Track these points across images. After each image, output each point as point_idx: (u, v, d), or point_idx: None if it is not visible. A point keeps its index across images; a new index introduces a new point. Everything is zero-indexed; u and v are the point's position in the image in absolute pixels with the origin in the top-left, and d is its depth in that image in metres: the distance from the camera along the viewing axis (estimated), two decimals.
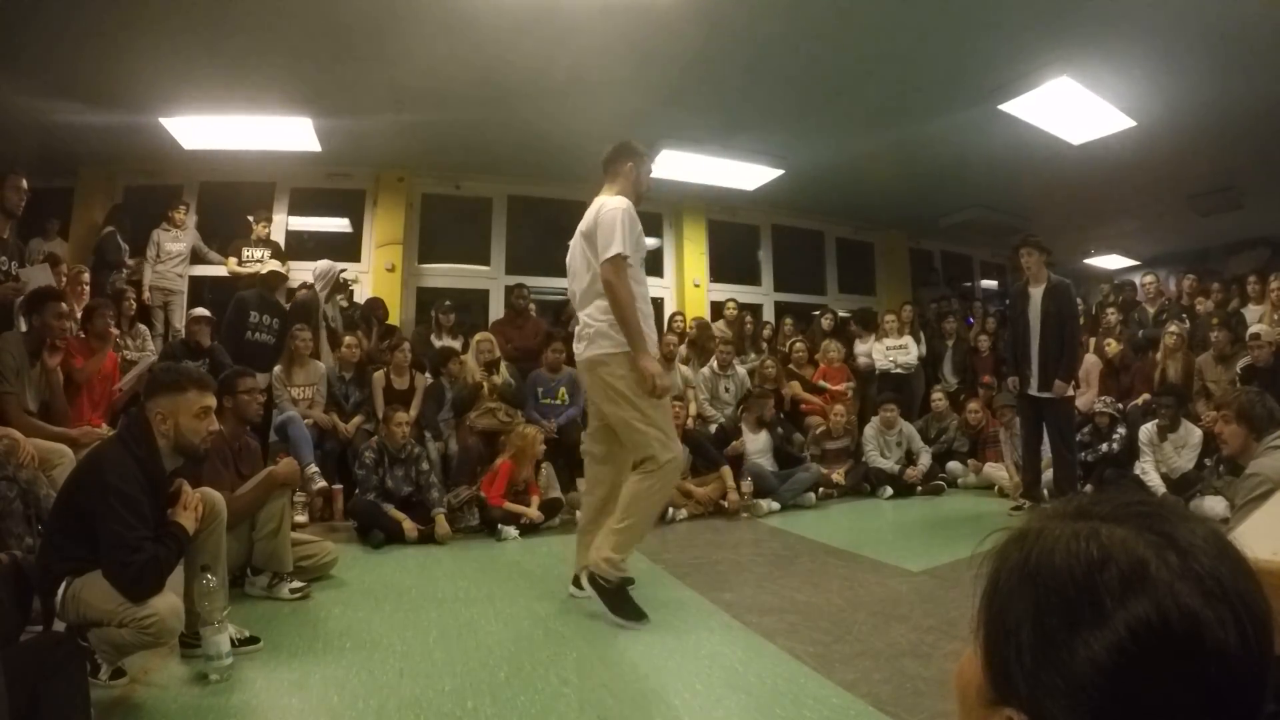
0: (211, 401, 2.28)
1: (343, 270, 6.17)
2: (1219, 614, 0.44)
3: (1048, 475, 5.04)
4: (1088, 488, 5.26)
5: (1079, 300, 7.22)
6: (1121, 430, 5.34)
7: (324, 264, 6.04)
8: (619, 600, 2.72)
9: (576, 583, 2.99)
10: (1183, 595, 0.44)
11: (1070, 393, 4.87)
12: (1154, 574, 0.45)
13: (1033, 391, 4.85)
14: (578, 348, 2.93)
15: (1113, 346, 6.12)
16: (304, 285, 6.04)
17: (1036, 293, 4.87)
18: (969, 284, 10.15)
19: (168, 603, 2.00)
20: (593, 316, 2.83)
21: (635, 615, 2.68)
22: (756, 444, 5.56)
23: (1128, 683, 0.44)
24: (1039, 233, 8.58)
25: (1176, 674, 0.43)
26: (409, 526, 4.03)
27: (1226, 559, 0.46)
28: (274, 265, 5.79)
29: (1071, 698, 0.45)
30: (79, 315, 4.34)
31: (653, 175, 3.12)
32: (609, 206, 2.82)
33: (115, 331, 4.44)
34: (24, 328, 3.67)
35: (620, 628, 2.64)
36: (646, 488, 2.75)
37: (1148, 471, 4.91)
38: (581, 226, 2.94)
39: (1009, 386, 5.13)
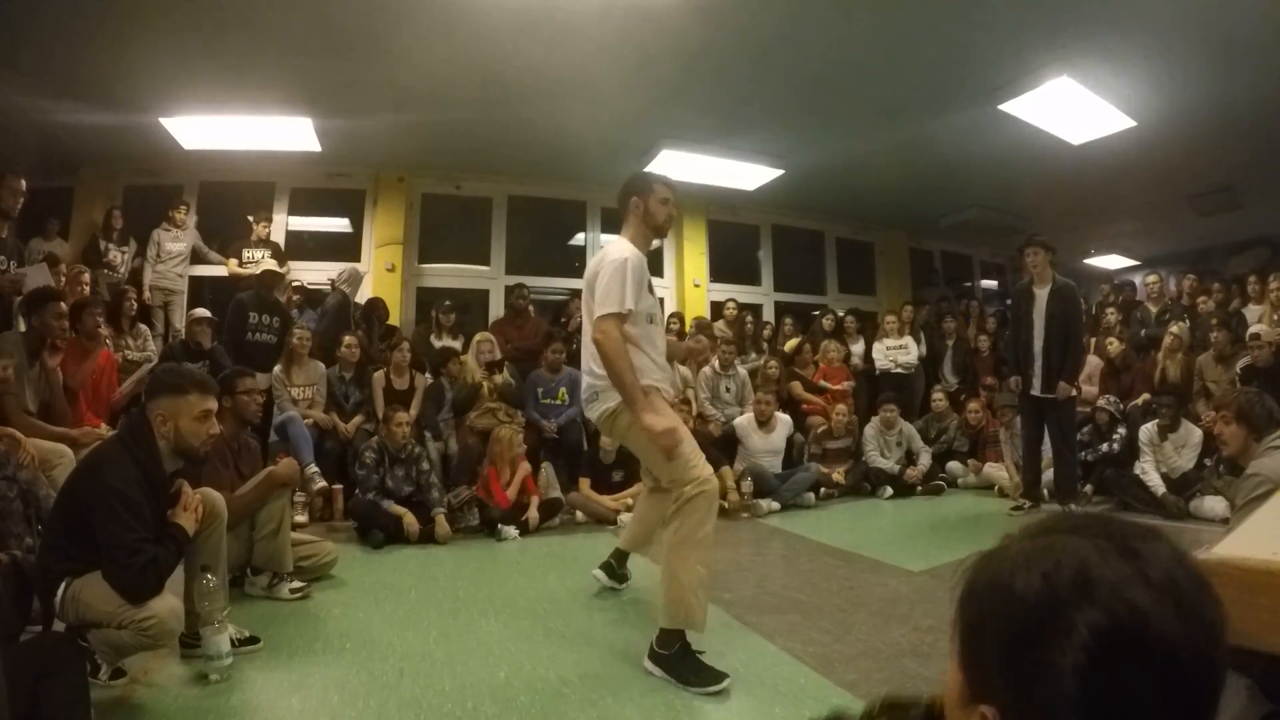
0: (213, 405, 2.27)
1: (359, 268, 6.22)
2: (1166, 611, 0.47)
3: (1048, 475, 5.04)
4: (1088, 488, 5.27)
5: (1082, 300, 7.26)
6: (1122, 430, 5.34)
7: (350, 268, 6.10)
8: (687, 664, 2.24)
9: (605, 568, 3.09)
10: (1129, 593, 0.48)
11: (1074, 394, 4.86)
12: (1099, 575, 0.49)
13: (1035, 391, 4.85)
14: (588, 410, 2.78)
15: (1115, 346, 6.12)
16: (332, 285, 6.08)
17: (1042, 293, 4.86)
18: (969, 284, 10.15)
19: (167, 605, 2.00)
20: (593, 374, 2.67)
21: (710, 680, 2.17)
22: (766, 444, 5.55)
23: (1087, 675, 0.47)
24: (1038, 233, 8.63)
25: (1129, 664, 0.47)
26: (409, 521, 4.03)
27: (1181, 567, 0.50)
28: (270, 264, 5.80)
29: (1036, 690, 0.49)
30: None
31: (672, 207, 2.79)
32: (609, 258, 2.60)
33: (105, 331, 4.41)
34: (23, 328, 3.67)
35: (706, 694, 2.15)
36: (687, 519, 2.37)
37: (1148, 471, 4.91)
38: (586, 275, 2.75)
39: (1011, 386, 5.13)
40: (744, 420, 5.66)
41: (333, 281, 6.14)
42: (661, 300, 7.83)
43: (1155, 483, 4.87)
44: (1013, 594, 0.51)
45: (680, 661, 2.22)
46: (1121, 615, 0.47)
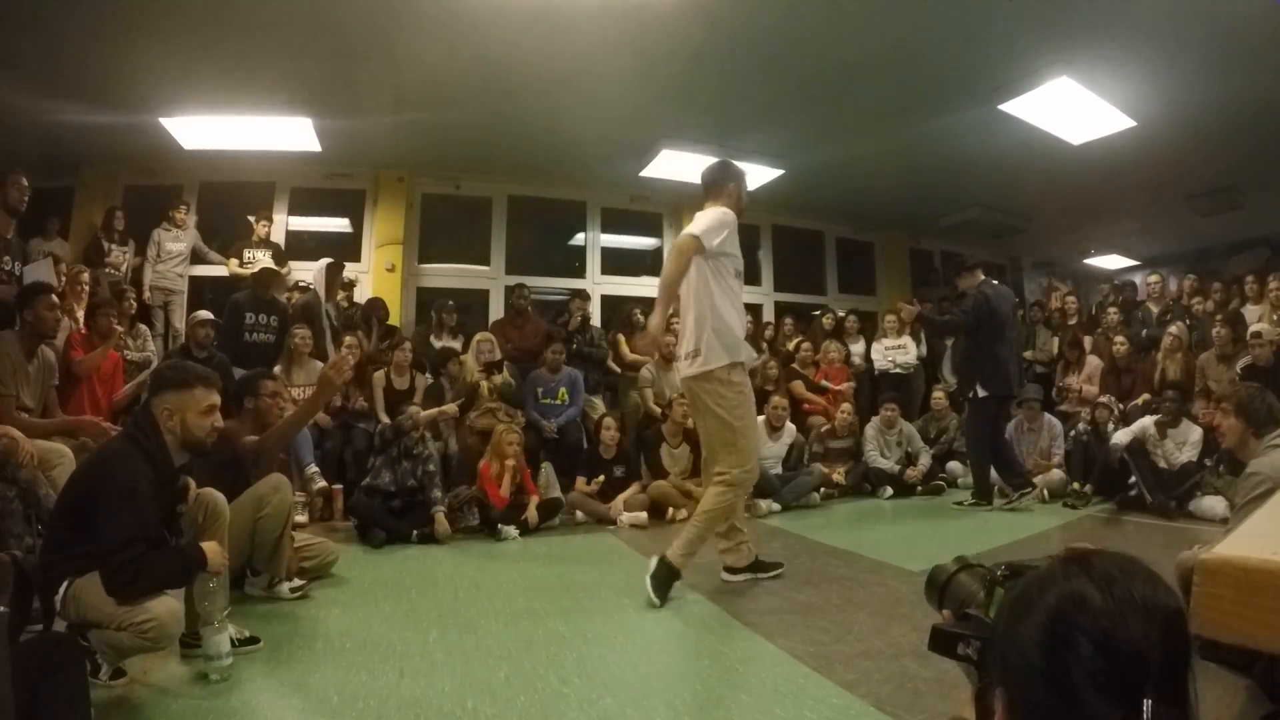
0: (217, 400, 2.28)
1: (329, 263, 5.99)
2: (1100, 594, 0.61)
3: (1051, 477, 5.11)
4: (1087, 488, 5.27)
5: (1073, 301, 7.37)
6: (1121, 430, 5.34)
7: (320, 264, 6.04)
8: (663, 580, 2.92)
9: (730, 570, 3.29)
10: (1073, 584, 0.63)
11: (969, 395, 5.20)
12: (1058, 577, 0.65)
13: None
14: (682, 366, 3.15)
15: (1122, 346, 6.12)
16: (298, 285, 6.04)
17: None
18: None
19: (167, 607, 1.99)
20: (704, 332, 3.01)
21: (661, 594, 2.88)
22: (770, 450, 5.54)
23: (1044, 643, 0.62)
24: (1039, 233, 8.65)
25: (1073, 632, 0.60)
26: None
27: (1124, 571, 0.63)
28: (266, 263, 5.79)
29: (1014, 660, 0.64)
30: (79, 315, 4.36)
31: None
32: (720, 212, 3.06)
33: (119, 329, 4.46)
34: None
35: (648, 600, 2.87)
36: (720, 500, 2.99)
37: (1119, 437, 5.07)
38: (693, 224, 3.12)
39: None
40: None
41: (308, 284, 6.07)
42: None
43: (1121, 442, 5.02)
44: (1018, 622, 0.66)
45: (664, 577, 2.91)
46: (1065, 596, 0.62)
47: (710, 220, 2.99)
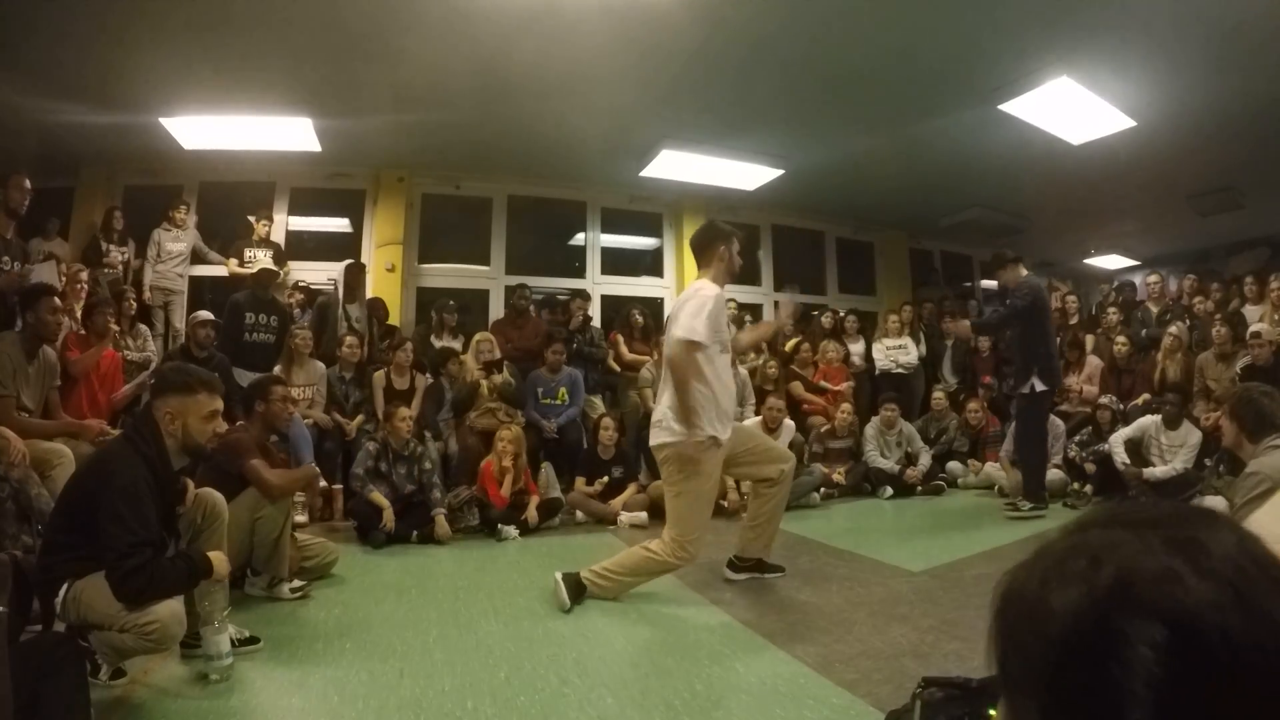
0: (219, 405, 2.28)
1: (349, 263, 6.03)
2: (1225, 604, 0.39)
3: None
4: (1088, 488, 5.28)
5: (1073, 301, 7.30)
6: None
7: (342, 265, 6.06)
8: (571, 589, 2.94)
9: (732, 565, 3.36)
10: (1182, 590, 0.40)
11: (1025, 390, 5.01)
12: (1145, 572, 0.41)
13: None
14: (653, 436, 3.11)
15: (1122, 346, 6.12)
16: (299, 285, 6.03)
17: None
18: (969, 284, 10.15)
19: (169, 609, 1.99)
20: (664, 405, 3.01)
21: (572, 596, 2.91)
22: None
23: (1150, 691, 0.39)
24: (1038, 233, 8.63)
25: (1196, 671, 0.38)
26: (388, 516, 4.03)
27: (1245, 554, 0.42)
28: (264, 263, 5.78)
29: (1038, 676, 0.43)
30: (78, 314, 4.36)
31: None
32: (702, 291, 2.98)
33: (115, 328, 4.45)
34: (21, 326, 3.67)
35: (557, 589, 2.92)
36: (650, 559, 2.97)
37: (1115, 445, 5.07)
38: (671, 311, 3.17)
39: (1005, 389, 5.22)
40: (751, 425, 5.65)
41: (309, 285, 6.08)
42: (661, 300, 7.91)
43: (1121, 456, 4.98)
44: (1045, 604, 0.43)
45: (574, 587, 2.94)
46: (1176, 616, 0.39)
47: (689, 314, 2.90)
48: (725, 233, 3.17)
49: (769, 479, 3.25)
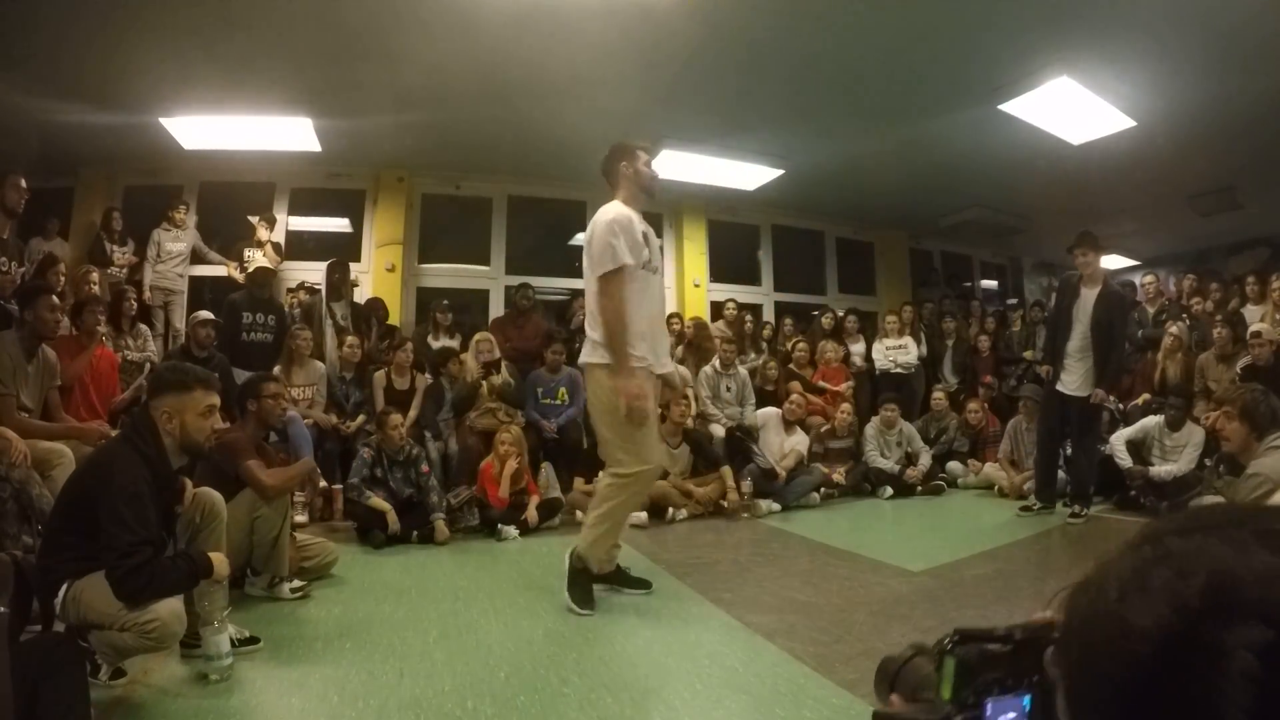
0: (216, 401, 2.29)
1: (330, 262, 6.03)
2: None
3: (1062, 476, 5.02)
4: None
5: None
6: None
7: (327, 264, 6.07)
8: (578, 584, 2.85)
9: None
10: (1265, 555, 0.36)
11: (1106, 401, 4.77)
12: (1243, 574, 0.37)
13: (1063, 389, 4.72)
14: (581, 357, 3.00)
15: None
16: (303, 286, 6.03)
17: (1090, 294, 4.67)
18: (969, 284, 10.16)
19: (169, 608, 1.99)
20: (589, 327, 2.92)
21: (583, 603, 2.81)
22: (780, 447, 5.54)
23: (1258, 710, 0.34)
24: (1039, 233, 8.63)
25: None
26: (392, 519, 4.01)
27: None
28: (261, 262, 5.78)
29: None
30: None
31: (654, 169, 3.06)
32: (599, 220, 2.85)
33: (103, 330, 4.42)
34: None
35: (571, 610, 2.80)
36: (614, 494, 2.87)
37: (1116, 445, 5.00)
38: (585, 238, 3.01)
39: (1043, 374, 5.05)
40: (771, 413, 5.67)
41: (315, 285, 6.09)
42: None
43: (1123, 456, 4.95)
44: (1126, 623, 0.38)
45: (576, 579, 2.83)
46: (1245, 573, 0.35)
47: (606, 244, 2.75)
48: (628, 148, 2.98)
49: (617, 471, 2.86)
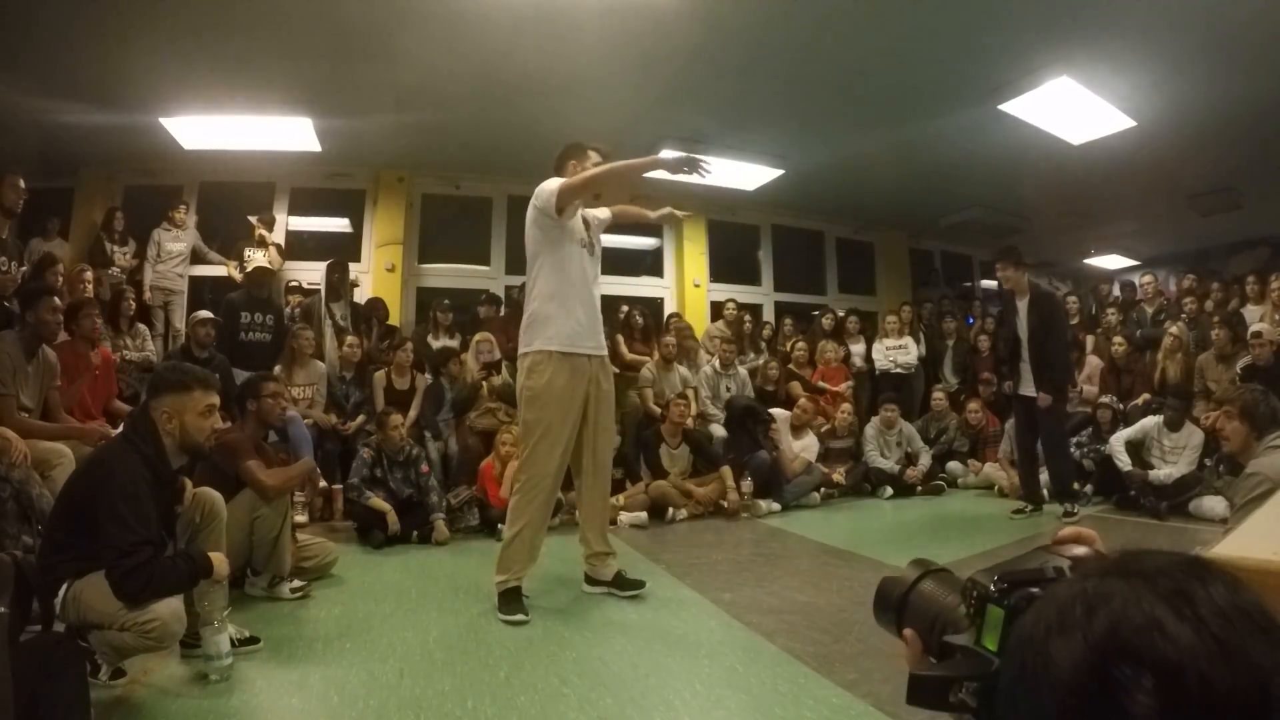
0: (216, 400, 2.29)
1: (329, 263, 6.02)
2: (1207, 654, 0.40)
3: (1046, 476, 5.04)
4: (1088, 488, 5.27)
5: (1074, 301, 7.24)
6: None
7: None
8: (505, 601, 2.78)
9: (589, 580, 3.14)
10: (1164, 639, 0.40)
11: (1053, 400, 4.82)
12: (1131, 622, 0.42)
13: (1024, 391, 4.90)
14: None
15: (1122, 346, 6.12)
16: (303, 287, 6.03)
17: (1022, 304, 4.90)
18: (969, 284, 10.15)
19: (169, 607, 1.99)
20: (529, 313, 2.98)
21: (513, 613, 2.72)
22: (790, 450, 5.54)
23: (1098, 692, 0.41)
24: (1039, 233, 8.63)
25: (1143, 685, 0.40)
26: (392, 519, 4.01)
27: (1235, 605, 0.42)
28: (259, 261, 5.78)
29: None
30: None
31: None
32: (546, 185, 2.99)
33: (103, 333, 4.39)
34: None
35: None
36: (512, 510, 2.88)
37: (1116, 448, 5.03)
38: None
39: (1005, 389, 5.17)
40: (780, 416, 5.71)
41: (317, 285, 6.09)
42: (661, 300, 7.90)
43: (1122, 457, 4.97)
44: (1048, 652, 0.44)
45: (503, 597, 2.78)
46: (1161, 664, 0.40)
47: (545, 192, 2.91)
48: (580, 148, 3.07)
49: (520, 479, 2.86)
